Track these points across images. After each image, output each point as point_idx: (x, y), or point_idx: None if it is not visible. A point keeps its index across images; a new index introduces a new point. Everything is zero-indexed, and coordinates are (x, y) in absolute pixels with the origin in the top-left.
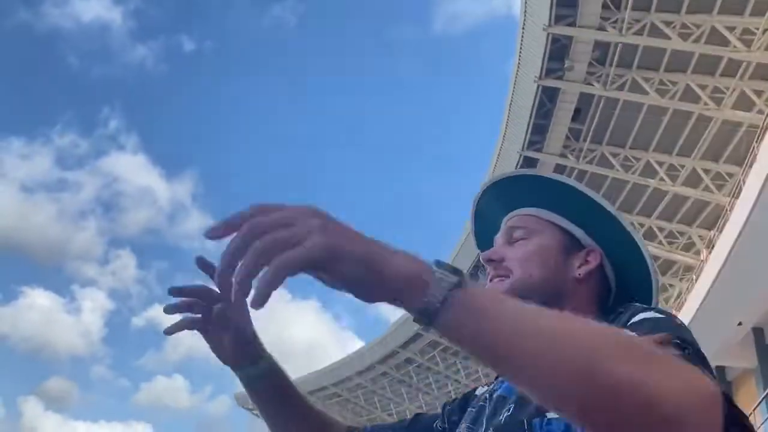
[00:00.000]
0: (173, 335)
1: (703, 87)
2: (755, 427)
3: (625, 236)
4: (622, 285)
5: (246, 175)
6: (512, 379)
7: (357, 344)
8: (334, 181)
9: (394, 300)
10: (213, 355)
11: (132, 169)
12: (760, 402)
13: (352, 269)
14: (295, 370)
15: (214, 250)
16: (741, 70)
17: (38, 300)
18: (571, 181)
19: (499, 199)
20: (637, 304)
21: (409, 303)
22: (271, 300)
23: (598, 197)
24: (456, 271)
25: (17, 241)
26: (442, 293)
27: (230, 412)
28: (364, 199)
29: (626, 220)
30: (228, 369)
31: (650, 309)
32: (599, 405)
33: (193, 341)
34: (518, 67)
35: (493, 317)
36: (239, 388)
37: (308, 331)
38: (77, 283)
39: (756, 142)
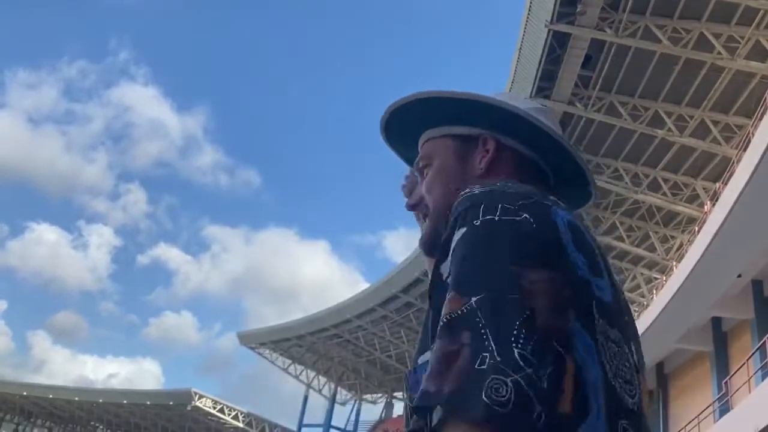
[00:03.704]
0: (181, 272)
1: (717, 36)
2: (748, 376)
3: (501, 109)
4: (542, 147)
5: (259, 110)
6: None
7: (364, 286)
8: (344, 110)
9: None
10: (221, 292)
11: (143, 100)
12: (753, 352)
13: None
14: (303, 309)
15: (226, 189)
16: (758, 19)
17: (45, 235)
18: (433, 92)
19: (402, 137)
20: (465, 195)
21: None
22: (280, 239)
23: (455, 92)
24: None
25: (24, 174)
26: None
27: (239, 350)
28: (372, 125)
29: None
30: (235, 306)
31: (469, 208)
32: None
33: (202, 278)
34: (529, 10)
35: None
36: (244, 326)
37: (317, 271)
38: (84, 218)
39: None
